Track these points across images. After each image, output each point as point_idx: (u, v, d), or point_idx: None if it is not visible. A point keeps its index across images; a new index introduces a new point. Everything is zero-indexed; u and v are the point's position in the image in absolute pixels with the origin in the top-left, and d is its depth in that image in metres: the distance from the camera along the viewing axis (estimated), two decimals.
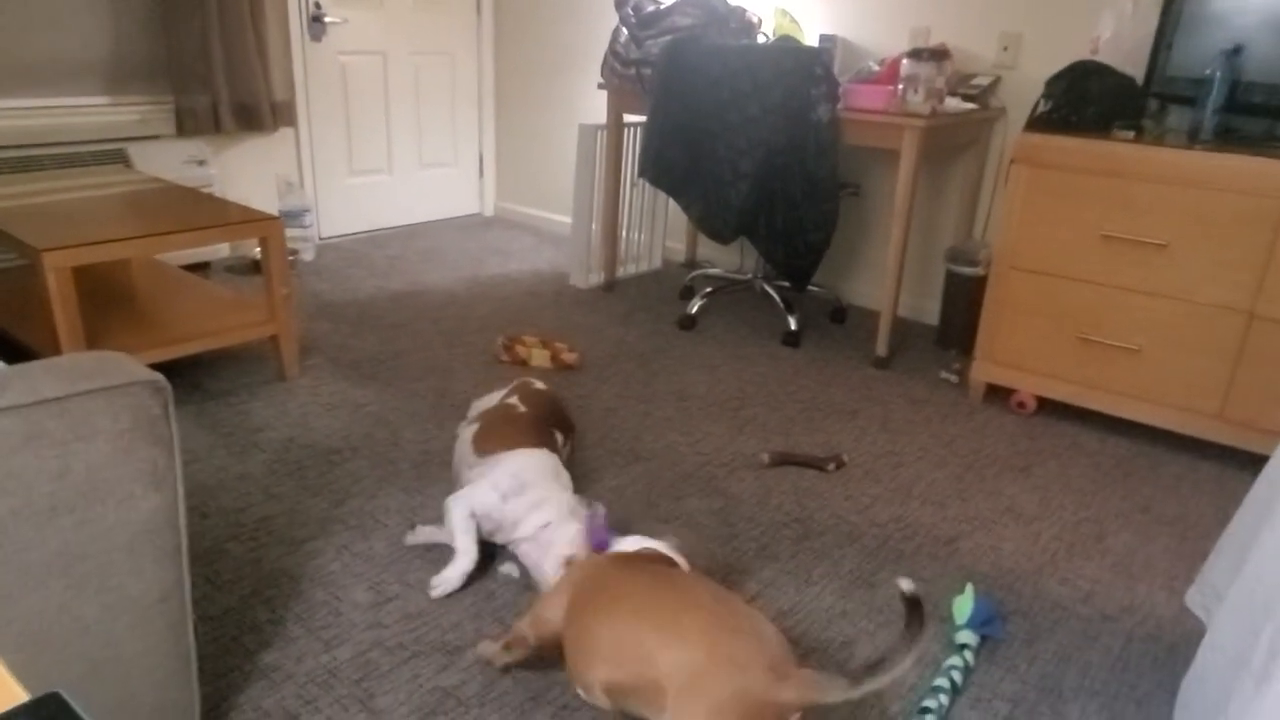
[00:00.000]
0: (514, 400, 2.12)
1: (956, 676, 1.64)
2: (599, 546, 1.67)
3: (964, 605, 1.79)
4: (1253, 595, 1.08)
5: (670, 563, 1.56)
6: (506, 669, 1.62)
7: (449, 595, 1.81)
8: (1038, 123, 2.64)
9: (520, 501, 1.82)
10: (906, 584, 1.21)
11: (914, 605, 1.19)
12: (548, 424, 2.09)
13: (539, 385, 2.23)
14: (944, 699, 1.58)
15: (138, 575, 1.20)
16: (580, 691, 1.41)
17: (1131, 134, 2.50)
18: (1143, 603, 1.93)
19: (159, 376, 1.15)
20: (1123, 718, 1.60)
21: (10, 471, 1.04)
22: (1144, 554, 2.12)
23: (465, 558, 1.83)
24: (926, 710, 1.55)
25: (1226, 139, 2.45)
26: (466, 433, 2.05)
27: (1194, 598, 1.56)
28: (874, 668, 1.16)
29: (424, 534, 1.97)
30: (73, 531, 1.12)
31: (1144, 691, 1.67)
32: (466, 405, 2.65)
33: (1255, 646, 0.96)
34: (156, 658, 1.27)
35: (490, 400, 2.23)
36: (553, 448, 2.01)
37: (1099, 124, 2.57)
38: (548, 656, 1.59)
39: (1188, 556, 2.11)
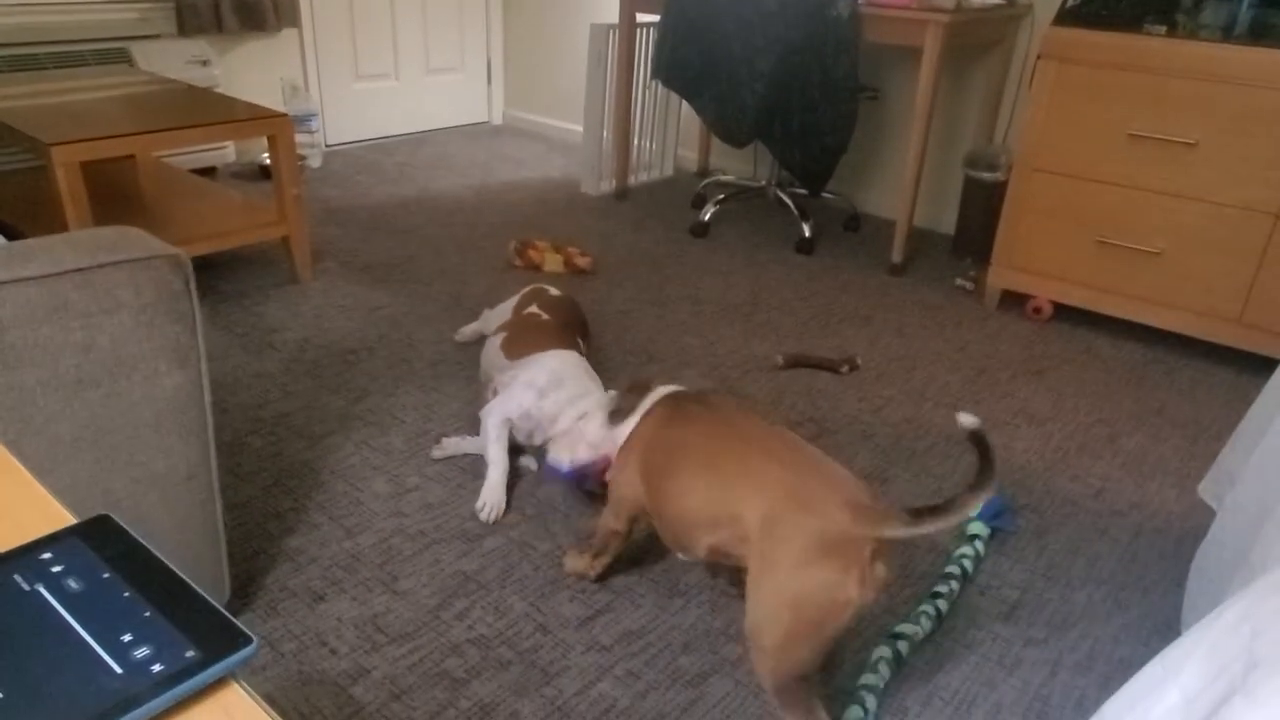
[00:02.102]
0: (535, 308, 2.12)
1: (967, 565, 1.67)
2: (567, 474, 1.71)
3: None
4: (1278, 455, 1.08)
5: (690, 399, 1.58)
6: (602, 578, 1.61)
7: (499, 517, 1.77)
8: (1067, 16, 2.55)
9: (558, 396, 1.82)
10: (968, 419, 1.15)
11: (980, 444, 1.14)
12: (570, 329, 2.10)
13: (555, 292, 2.23)
14: (954, 585, 1.62)
15: (165, 452, 1.22)
16: (681, 555, 1.45)
17: (1164, 28, 2.41)
18: (1152, 499, 1.95)
19: (179, 251, 1.15)
20: (1129, 604, 1.64)
21: (36, 342, 1.05)
22: (1155, 454, 2.13)
23: (496, 468, 1.81)
24: (938, 595, 1.58)
25: (1263, 33, 2.36)
26: (494, 340, 2.06)
27: (1207, 488, 1.57)
28: (937, 509, 1.15)
29: (451, 445, 1.96)
30: (100, 405, 1.13)
31: (1151, 580, 1.70)
32: (480, 307, 2.65)
33: None
34: (186, 534, 1.30)
35: (504, 309, 2.23)
36: (579, 351, 2.02)
37: (1131, 18, 2.48)
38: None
39: (1200, 457, 2.12)
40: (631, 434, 1.51)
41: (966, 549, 1.70)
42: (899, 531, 1.16)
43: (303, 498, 1.80)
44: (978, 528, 1.75)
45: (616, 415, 1.60)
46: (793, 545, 1.20)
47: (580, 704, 1.37)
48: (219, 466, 1.87)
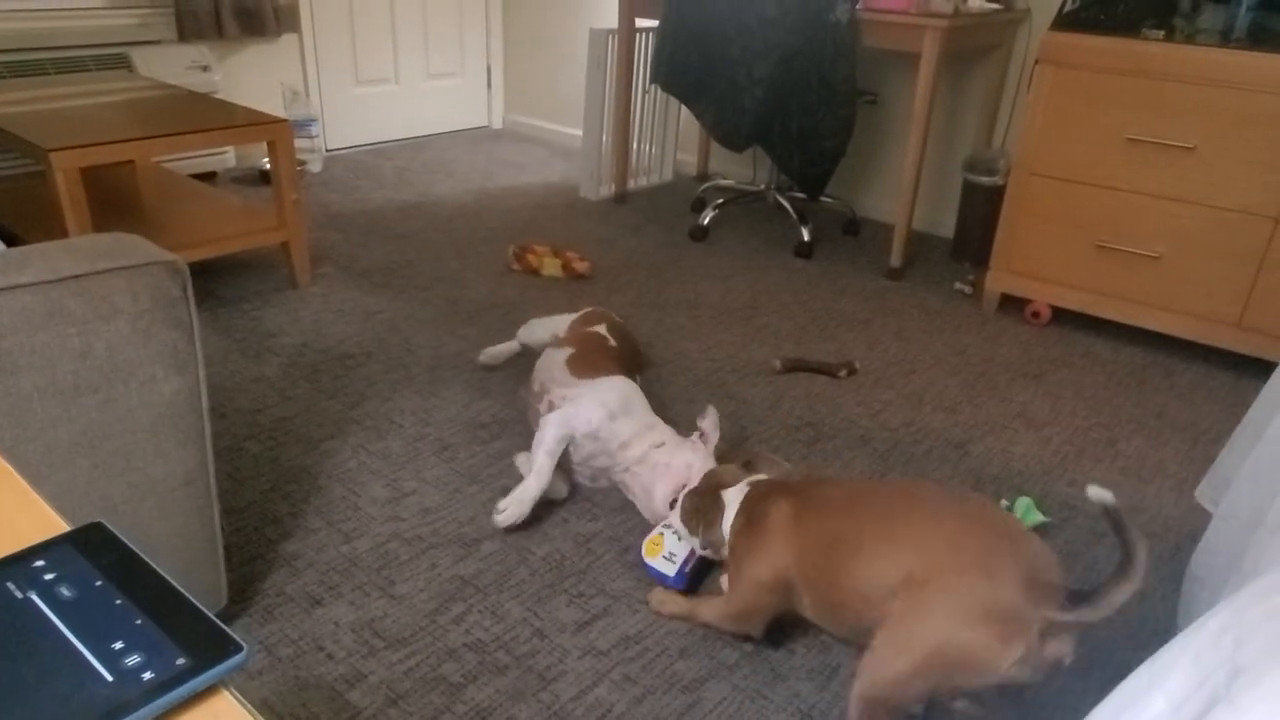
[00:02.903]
0: (603, 330, 2.07)
1: None
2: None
3: (1029, 514, 1.80)
4: (1272, 458, 1.08)
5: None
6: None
7: (514, 525, 1.70)
8: (1065, 21, 2.56)
9: (628, 422, 1.77)
10: (1099, 494, 1.04)
11: (1115, 521, 1.05)
12: (635, 362, 2.07)
13: (618, 318, 2.19)
14: None
15: (162, 458, 1.22)
16: (836, 631, 1.34)
17: (1162, 33, 2.42)
18: (1151, 503, 1.95)
19: (177, 258, 1.15)
20: (1126, 608, 1.63)
21: (33, 348, 1.05)
22: (1154, 458, 2.13)
23: (537, 479, 1.70)
24: None
25: (1260, 37, 2.37)
26: (557, 355, 1.99)
27: (1204, 491, 1.57)
28: (1110, 585, 1.05)
29: (520, 461, 1.88)
30: (97, 411, 1.13)
31: (1149, 585, 1.70)
32: (479, 312, 2.66)
33: (1273, 505, 0.97)
34: (183, 539, 1.30)
35: (556, 322, 2.19)
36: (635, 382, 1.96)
37: (1129, 23, 2.49)
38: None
39: (1198, 460, 2.12)
40: (766, 537, 1.38)
41: None
42: (1064, 618, 1.06)
43: (300, 502, 1.80)
44: None
45: (688, 519, 1.52)
46: (960, 602, 1.11)
47: (577, 709, 1.37)
48: (217, 472, 1.88)
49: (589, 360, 1.93)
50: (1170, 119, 2.39)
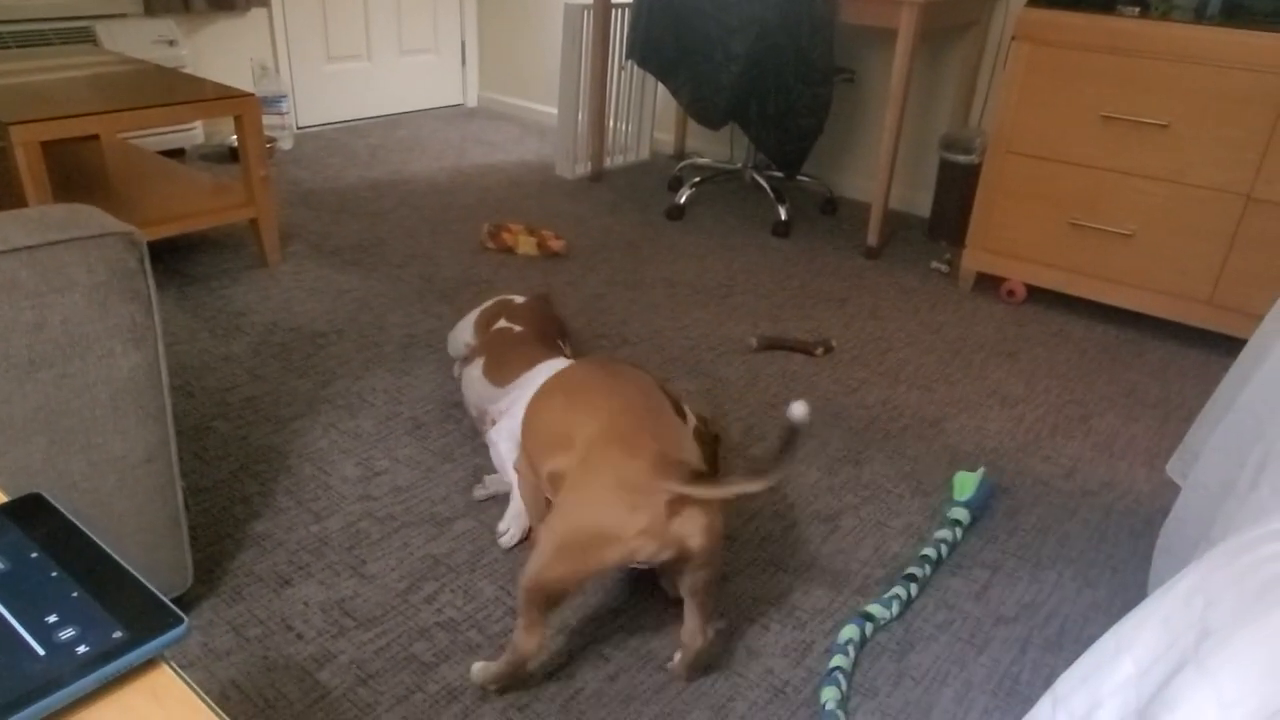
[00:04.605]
0: (504, 323, 1.98)
1: (943, 550, 1.67)
2: None
3: (967, 484, 1.80)
4: (1241, 428, 1.09)
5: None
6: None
7: (519, 543, 1.65)
8: None
9: None
10: (799, 410, 1.13)
11: (792, 439, 1.15)
12: (549, 335, 1.98)
13: (519, 299, 2.08)
14: (928, 569, 1.62)
15: (122, 435, 1.19)
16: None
17: (1137, 9, 2.42)
18: (1123, 479, 1.97)
19: (133, 229, 1.12)
20: (1098, 583, 1.65)
21: None
22: (1126, 434, 2.14)
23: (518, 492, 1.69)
24: (911, 578, 1.59)
25: (1234, 14, 2.37)
26: (473, 371, 1.91)
27: (1175, 466, 1.58)
28: (754, 473, 1.19)
29: (492, 484, 1.77)
30: (53, 387, 1.10)
31: (1120, 559, 1.71)
32: (452, 291, 2.63)
33: (1241, 474, 0.97)
34: (146, 518, 1.27)
35: (465, 325, 2.08)
36: (566, 356, 1.89)
37: None
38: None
39: (1170, 436, 2.14)
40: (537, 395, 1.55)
41: (945, 533, 1.70)
42: (685, 490, 1.20)
43: (269, 482, 1.77)
44: (960, 513, 1.75)
45: None
46: (596, 475, 1.26)
47: (549, 687, 1.36)
48: (184, 451, 1.85)
49: (504, 361, 1.86)
50: (1144, 96, 2.39)
